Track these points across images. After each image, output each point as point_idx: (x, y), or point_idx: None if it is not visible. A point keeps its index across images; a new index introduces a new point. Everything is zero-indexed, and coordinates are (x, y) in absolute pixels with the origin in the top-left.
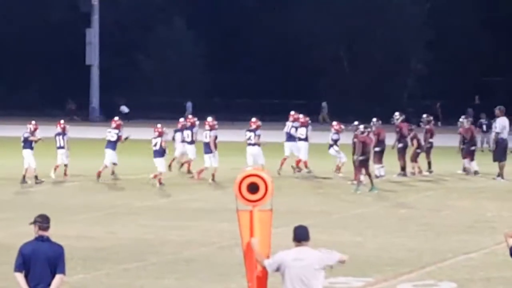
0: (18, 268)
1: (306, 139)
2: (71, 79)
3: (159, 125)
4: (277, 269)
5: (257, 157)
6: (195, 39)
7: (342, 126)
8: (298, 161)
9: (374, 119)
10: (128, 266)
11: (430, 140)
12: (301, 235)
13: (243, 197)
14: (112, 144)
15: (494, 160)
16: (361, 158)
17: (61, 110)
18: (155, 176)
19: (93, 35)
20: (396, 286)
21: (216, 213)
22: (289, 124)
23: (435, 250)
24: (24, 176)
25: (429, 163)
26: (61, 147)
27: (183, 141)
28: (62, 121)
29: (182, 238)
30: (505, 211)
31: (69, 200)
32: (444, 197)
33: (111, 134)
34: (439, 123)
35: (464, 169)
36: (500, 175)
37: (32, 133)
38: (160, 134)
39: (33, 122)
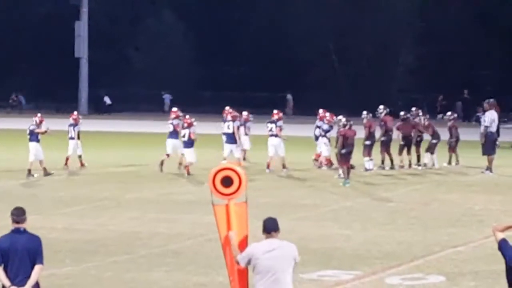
0: None
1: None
2: (61, 71)
3: (187, 116)
4: (249, 262)
5: (277, 148)
6: (184, 32)
7: (335, 118)
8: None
9: (365, 112)
10: (117, 259)
11: (419, 133)
12: (270, 227)
13: (217, 191)
14: (173, 135)
15: (483, 154)
16: (342, 151)
17: (52, 102)
18: (185, 167)
19: (82, 28)
20: (385, 279)
21: (204, 206)
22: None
23: (423, 243)
24: (29, 170)
25: (418, 157)
26: (72, 138)
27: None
28: (75, 112)
29: (171, 231)
30: (493, 204)
31: (58, 193)
32: (432, 190)
33: (170, 126)
34: (441, 116)
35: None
36: (489, 168)
37: (38, 125)
38: (189, 125)
39: (39, 114)
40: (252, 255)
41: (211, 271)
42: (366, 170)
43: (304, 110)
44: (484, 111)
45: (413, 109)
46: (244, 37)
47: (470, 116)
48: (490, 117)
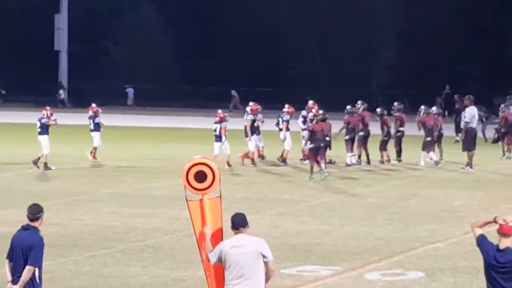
0: (7, 256)
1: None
2: (40, 64)
3: (219, 111)
4: (219, 259)
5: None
6: (164, 26)
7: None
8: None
9: (348, 107)
10: (95, 253)
11: (401, 128)
12: (238, 223)
13: (191, 186)
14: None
15: (463, 150)
16: (310, 146)
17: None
18: (227, 162)
19: (62, 21)
20: (364, 275)
21: (181, 201)
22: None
23: (403, 239)
24: (46, 163)
25: (398, 152)
26: (92, 130)
27: None
28: (94, 105)
29: (148, 226)
30: (473, 200)
31: (35, 187)
32: (412, 186)
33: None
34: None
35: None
36: (469, 164)
37: (49, 118)
38: (221, 120)
39: (48, 107)
40: (221, 251)
41: (189, 266)
42: (348, 165)
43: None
44: (465, 107)
45: (396, 103)
46: (224, 32)
47: (451, 111)
48: (470, 113)
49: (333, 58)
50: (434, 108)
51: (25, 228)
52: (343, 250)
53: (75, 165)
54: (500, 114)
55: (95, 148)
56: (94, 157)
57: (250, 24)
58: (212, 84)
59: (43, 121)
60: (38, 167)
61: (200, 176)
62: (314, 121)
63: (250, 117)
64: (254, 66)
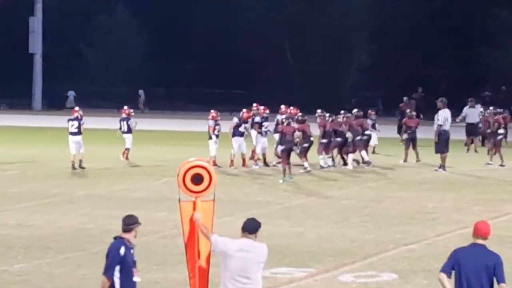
0: None
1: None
2: (14, 67)
3: (244, 110)
4: (221, 253)
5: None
6: (138, 28)
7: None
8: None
9: (319, 110)
10: (69, 255)
11: (366, 132)
12: (250, 228)
13: (187, 188)
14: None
15: (436, 152)
16: (281, 148)
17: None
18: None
19: (36, 24)
20: (338, 277)
21: (156, 203)
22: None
23: (376, 241)
24: (80, 161)
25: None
26: (125, 132)
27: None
28: (126, 107)
29: None
30: (446, 202)
31: (9, 189)
32: (385, 188)
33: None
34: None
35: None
36: (442, 166)
37: (81, 119)
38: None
39: (77, 108)
40: (226, 250)
41: (164, 267)
42: (321, 167)
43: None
44: (438, 109)
45: (354, 110)
46: (198, 34)
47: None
48: (443, 115)
49: (306, 60)
50: (408, 110)
51: (114, 238)
52: (317, 252)
53: (50, 166)
54: (480, 117)
55: (127, 149)
56: (126, 158)
57: (224, 26)
58: (187, 86)
59: (81, 122)
60: (83, 168)
61: (197, 179)
62: (285, 123)
63: (211, 123)
64: (227, 68)
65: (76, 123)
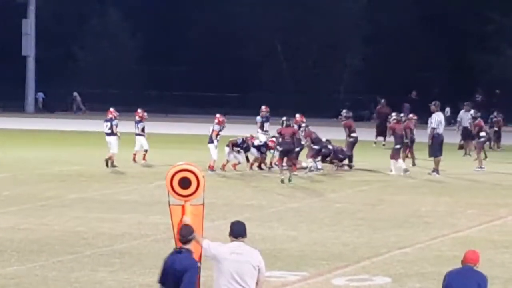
0: (159, 280)
1: None
2: (7, 70)
3: (218, 115)
4: (213, 257)
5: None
6: (131, 31)
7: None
8: None
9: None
10: (62, 259)
11: (353, 134)
12: (237, 232)
13: (175, 192)
14: None
15: (430, 156)
16: (280, 149)
17: None
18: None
19: (29, 26)
20: (331, 280)
21: (149, 206)
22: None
23: (370, 244)
24: (112, 161)
25: (350, 157)
26: (139, 134)
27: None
28: (139, 110)
29: (115, 231)
30: (440, 206)
31: (2, 192)
32: (379, 191)
33: None
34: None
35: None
36: (436, 170)
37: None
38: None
39: (111, 109)
40: (217, 253)
41: (157, 271)
42: (311, 170)
43: (252, 110)
44: (431, 112)
45: (344, 111)
46: (191, 37)
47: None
48: (437, 119)
49: (299, 64)
50: (402, 114)
51: (178, 251)
52: (310, 256)
53: (43, 169)
54: (469, 121)
55: (146, 151)
56: (143, 158)
57: (217, 29)
58: (179, 89)
59: (114, 123)
60: (114, 166)
61: (185, 183)
62: (284, 125)
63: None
64: (220, 71)
65: (109, 124)
